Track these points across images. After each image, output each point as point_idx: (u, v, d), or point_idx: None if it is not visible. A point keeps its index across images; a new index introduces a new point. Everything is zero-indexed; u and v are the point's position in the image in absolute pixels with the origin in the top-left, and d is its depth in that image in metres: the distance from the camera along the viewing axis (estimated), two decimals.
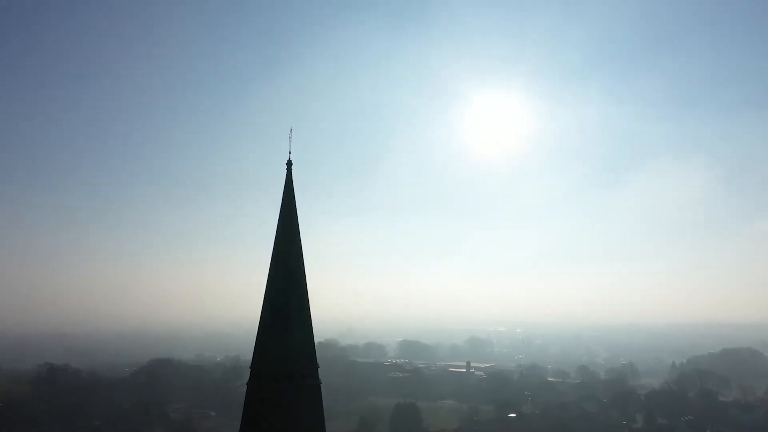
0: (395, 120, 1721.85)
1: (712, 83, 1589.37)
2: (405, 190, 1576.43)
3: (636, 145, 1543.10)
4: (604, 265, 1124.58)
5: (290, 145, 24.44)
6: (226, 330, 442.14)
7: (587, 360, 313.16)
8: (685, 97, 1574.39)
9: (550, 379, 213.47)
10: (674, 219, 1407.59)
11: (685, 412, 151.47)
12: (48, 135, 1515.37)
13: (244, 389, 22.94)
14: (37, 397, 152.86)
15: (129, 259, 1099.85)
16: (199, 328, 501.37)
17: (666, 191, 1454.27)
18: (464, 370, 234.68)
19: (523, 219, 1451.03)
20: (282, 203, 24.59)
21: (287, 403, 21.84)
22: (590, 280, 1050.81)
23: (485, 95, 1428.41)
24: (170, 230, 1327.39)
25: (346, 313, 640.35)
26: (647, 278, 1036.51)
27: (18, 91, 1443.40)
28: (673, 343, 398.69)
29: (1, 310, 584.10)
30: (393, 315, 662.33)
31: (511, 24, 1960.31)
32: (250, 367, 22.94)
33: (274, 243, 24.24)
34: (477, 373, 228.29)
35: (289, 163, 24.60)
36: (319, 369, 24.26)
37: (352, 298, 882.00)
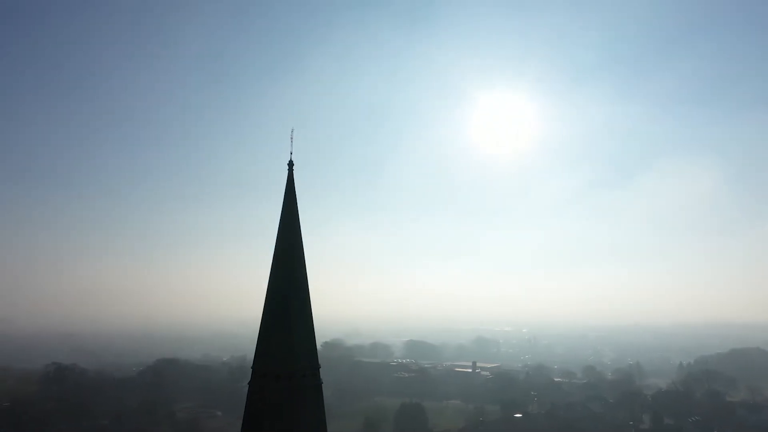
0: (402, 120, 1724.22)
1: (721, 83, 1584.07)
2: (412, 190, 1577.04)
3: (644, 145, 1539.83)
4: (612, 265, 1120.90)
5: (291, 145, 24.67)
6: (233, 330, 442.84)
7: (594, 360, 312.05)
8: (694, 97, 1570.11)
9: (556, 380, 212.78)
10: (682, 219, 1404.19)
11: (693, 413, 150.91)
12: (54, 135, 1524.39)
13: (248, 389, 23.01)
14: (44, 396, 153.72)
15: (136, 260, 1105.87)
16: (205, 327, 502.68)
17: (674, 191, 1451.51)
18: (470, 370, 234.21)
19: (530, 219, 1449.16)
20: (283, 203, 24.77)
21: (288, 402, 21.95)
22: (597, 280, 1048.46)
23: (493, 95, 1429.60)
24: (177, 230, 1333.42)
25: (351, 312, 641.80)
26: (655, 278, 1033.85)
27: (25, 92, 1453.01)
28: (681, 343, 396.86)
29: (9, 311, 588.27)
30: (399, 315, 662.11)
31: (520, 23, 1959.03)
32: (252, 367, 23.14)
33: (276, 243, 24.41)
34: (483, 373, 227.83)
35: (291, 164, 24.77)
36: (321, 369, 24.32)
37: (358, 298, 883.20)
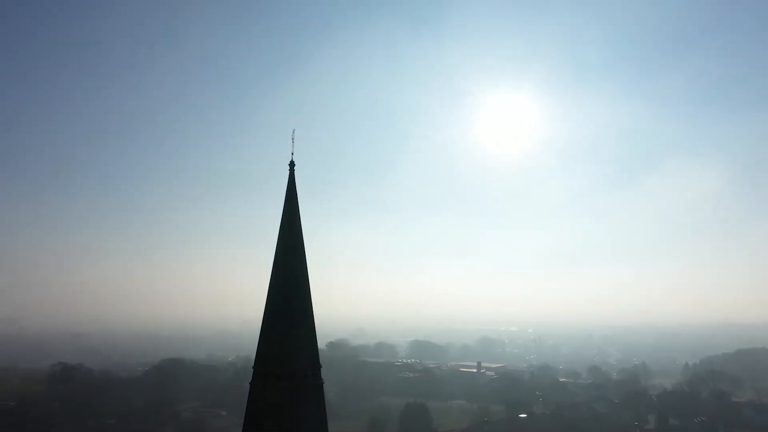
0: (407, 120, 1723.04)
1: (727, 82, 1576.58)
2: (417, 190, 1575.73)
3: (650, 145, 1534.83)
4: (617, 265, 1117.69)
5: (293, 146, 24.88)
6: (238, 329, 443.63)
7: (599, 360, 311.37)
8: (700, 97, 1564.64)
9: (561, 380, 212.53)
10: (688, 218, 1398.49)
11: (698, 413, 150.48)
12: (61, 136, 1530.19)
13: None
14: (51, 396, 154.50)
15: (141, 260, 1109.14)
16: (210, 327, 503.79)
17: (679, 191, 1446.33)
18: (475, 371, 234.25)
19: (536, 219, 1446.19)
20: (284, 204, 24.91)
21: (288, 402, 22.06)
22: (603, 280, 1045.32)
23: (498, 95, 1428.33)
24: (182, 230, 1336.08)
25: (356, 313, 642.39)
26: (661, 278, 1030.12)
27: (31, 93, 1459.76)
28: (686, 344, 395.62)
29: (15, 311, 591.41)
30: (404, 315, 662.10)
31: (525, 23, 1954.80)
32: (253, 367, 23.27)
33: (276, 244, 24.55)
34: (488, 373, 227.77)
35: (292, 164, 24.94)
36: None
37: (363, 298, 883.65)
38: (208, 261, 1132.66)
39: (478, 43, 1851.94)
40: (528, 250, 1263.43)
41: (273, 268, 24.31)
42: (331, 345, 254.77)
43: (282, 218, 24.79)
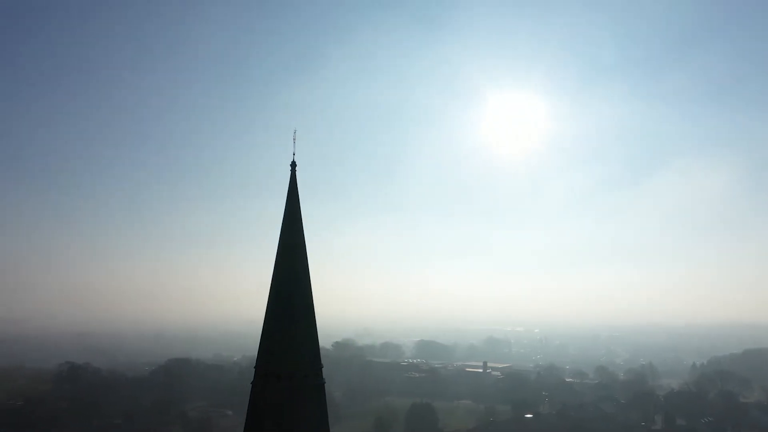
0: (413, 119, 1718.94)
1: (734, 82, 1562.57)
2: (423, 190, 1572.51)
3: (656, 145, 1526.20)
4: (624, 265, 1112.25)
5: (294, 146, 24.92)
6: (244, 329, 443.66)
7: (606, 360, 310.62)
8: (706, 96, 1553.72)
9: (567, 380, 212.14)
10: (695, 218, 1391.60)
11: (705, 414, 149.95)
12: (66, 137, 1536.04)
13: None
14: (58, 395, 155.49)
15: (148, 260, 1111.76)
16: (217, 327, 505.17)
17: (686, 191, 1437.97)
18: (481, 370, 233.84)
19: (541, 219, 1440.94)
20: (285, 204, 24.94)
21: (289, 402, 22.09)
22: (610, 280, 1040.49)
23: (504, 94, 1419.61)
24: (188, 230, 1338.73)
25: (362, 312, 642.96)
26: (668, 278, 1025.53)
27: (34, 93, 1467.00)
28: (694, 344, 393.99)
29: (23, 311, 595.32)
30: (410, 315, 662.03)
31: (531, 23, 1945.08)
32: (255, 367, 23.32)
33: (278, 243, 24.58)
34: (494, 373, 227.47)
35: (293, 164, 24.98)
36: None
37: (369, 298, 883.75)
38: (214, 261, 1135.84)
39: (483, 42, 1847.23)
40: (534, 250, 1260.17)
41: (274, 268, 24.38)
42: (337, 345, 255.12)
43: (283, 218, 24.85)
